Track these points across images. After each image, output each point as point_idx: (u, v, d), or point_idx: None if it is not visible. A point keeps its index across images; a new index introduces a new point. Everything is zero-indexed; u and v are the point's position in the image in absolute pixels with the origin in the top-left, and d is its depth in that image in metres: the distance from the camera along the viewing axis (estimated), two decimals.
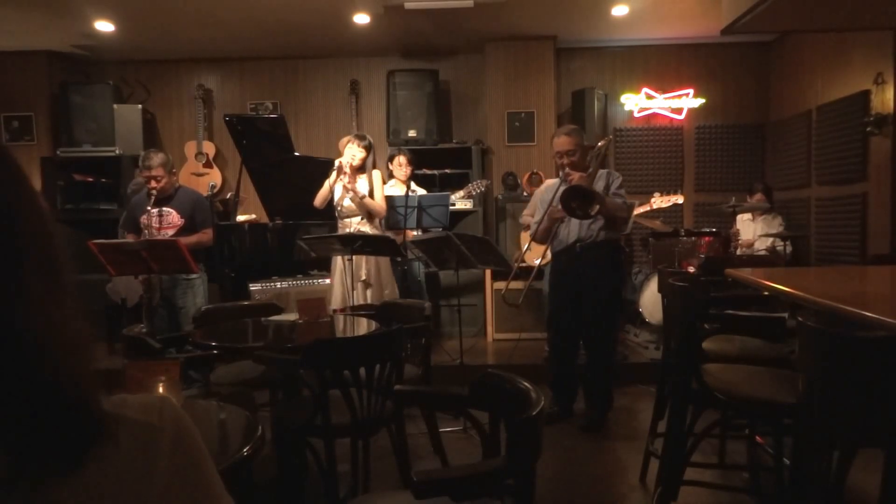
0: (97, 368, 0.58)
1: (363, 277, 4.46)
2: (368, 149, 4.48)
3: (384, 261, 4.62)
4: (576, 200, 3.48)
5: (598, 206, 3.44)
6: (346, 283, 4.41)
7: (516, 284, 5.51)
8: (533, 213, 4.71)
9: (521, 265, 5.27)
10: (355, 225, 4.50)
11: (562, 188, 3.66)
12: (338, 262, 4.52)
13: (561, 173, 3.79)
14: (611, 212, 3.61)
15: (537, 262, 4.54)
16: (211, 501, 0.62)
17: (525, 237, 5.40)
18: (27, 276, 0.54)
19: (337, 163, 4.43)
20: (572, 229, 3.74)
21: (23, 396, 0.52)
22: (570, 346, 3.92)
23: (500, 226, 6.19)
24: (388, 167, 5.31)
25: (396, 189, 4.99)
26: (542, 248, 4.54)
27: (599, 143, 3.93)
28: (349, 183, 4.39)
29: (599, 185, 3.71)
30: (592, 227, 3.70)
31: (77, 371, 0.55)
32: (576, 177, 3.60)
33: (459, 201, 5.61)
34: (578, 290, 3.76)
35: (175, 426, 0.61)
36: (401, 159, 5.18)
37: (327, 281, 4.85)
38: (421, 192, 5.16)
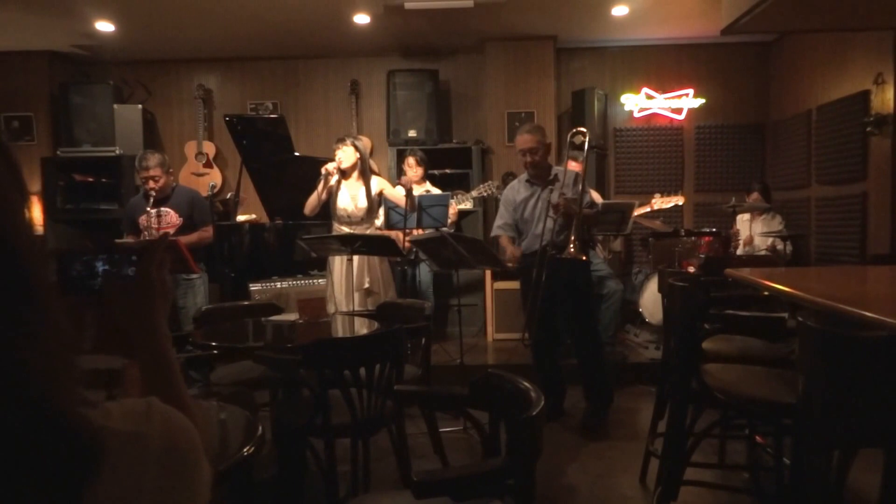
0: (83, 392, 0.56)
1: (366, 285, 4.45)
2: (356, 146, 4.44)
3: (385, 269, 4.62)
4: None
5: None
6: (342, 289, 4.38)
7: (513, 284, 5.52)
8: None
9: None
10: (349, 231, 4.48)
11: (538, 194, 3.83)
12: (335, 267, 4.49)
13: (547, 194, 3.86)
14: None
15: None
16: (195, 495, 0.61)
17: None
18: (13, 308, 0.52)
19: (324, 169, 4.40)
20: (540, 233, 3.77)
21: (13, 431, 0.50)
22: (551, 346, 3.94)
23: None
24: (403, 169, 5.31)
25: (413, 191, 4.96)
26: None
27: (578, 141, 3.98)
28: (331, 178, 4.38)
29: (569, 182, 3.78)
30: (563, 233, 3.73)
31: (65, 399, 0.53)
32: (562, 204, 3.65)
33: (464, 202, 5.61)
34: (552, 292, 3.77)
35: (164, 428, 0.60)
36: (410, 160, 5.19)
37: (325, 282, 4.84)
38: (436, 192, 5.16)
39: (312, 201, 4.45)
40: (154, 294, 0.86)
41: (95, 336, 0.85)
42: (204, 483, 0.62)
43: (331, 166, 4.38)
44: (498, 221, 4.01)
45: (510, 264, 3.94)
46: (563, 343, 4.09)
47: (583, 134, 3.97)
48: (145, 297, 0.85)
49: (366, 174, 4.49)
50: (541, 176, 3.87)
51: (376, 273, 4.53)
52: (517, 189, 3.96)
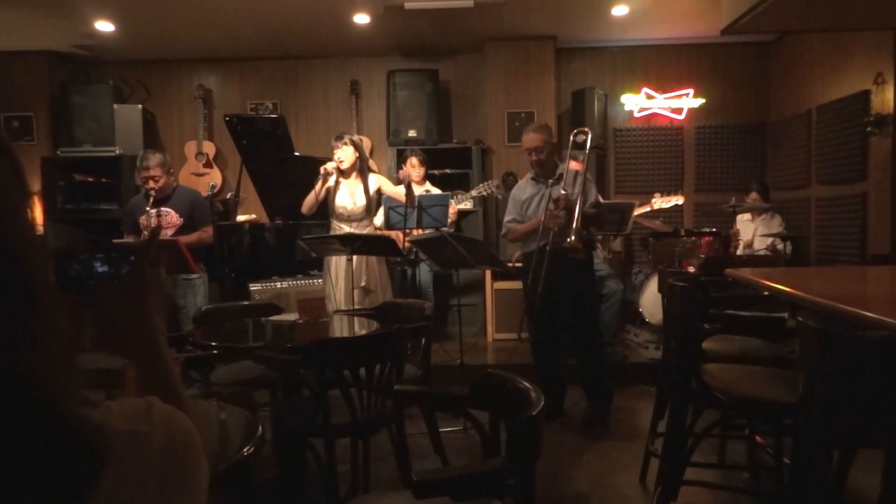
0: (84, 392, 0.56)
1: (363, 283, 4.45)
2: (354, 144, 4.44)
3: (382, 267, 4.62)
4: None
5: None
6: (339, 287, 4.40)
7: (513, 284, 5.53)
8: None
9: (518, 265, 5.28)
10: (349, 230, 4.48)
11: (541, 190, 3.84)
12: (330, 266, 4.51)
13: (543, 187, 3.88)
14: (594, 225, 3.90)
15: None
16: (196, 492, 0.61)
17: None
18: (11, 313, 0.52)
19: (322, 169, 4.40)
20: (542, 233, 3.79)
21: (16, 433, 0.49)
22: (551, 345, 3.95)
23: (500, 225, 6.18)
24: (402, 168, 5.30)
25: (414, 190, 4.97)
26: None
27: (578, 139, 3.98)
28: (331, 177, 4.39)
29: (583, 191, 3.76)
30: (566, 231, 3.73)
31: (66, 399, 0.53)
32: (563, 199, 3.68)
33: (464, 202, 5.61)
34: (551, 291, 3.79)
35: (165, 427, 0.59)
36: (413, 160, 5.19)
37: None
38: (436, 191, 5.17)
39: (310, 200, 4.46)
40: (147, 292, 0.85)
41: (94, 335, 0.85)
42: (204, 481, 0.62)
43: (330, 166, 4.38)
44: (507, 217, 4.06)
45: (553, 222, 3.83)
46: (563, 342, 4.10)
47: (584, 133, 3.98)
48: (138, 295, 0.85)
49: (364, 171, 4.50)
50: (546, 175, 3.90)
51: (374, 271, 4.54)
52: (524, 187, 4.02)
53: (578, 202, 3.66)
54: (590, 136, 3.94)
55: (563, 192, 3.73)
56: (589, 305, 3.93)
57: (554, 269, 3.73)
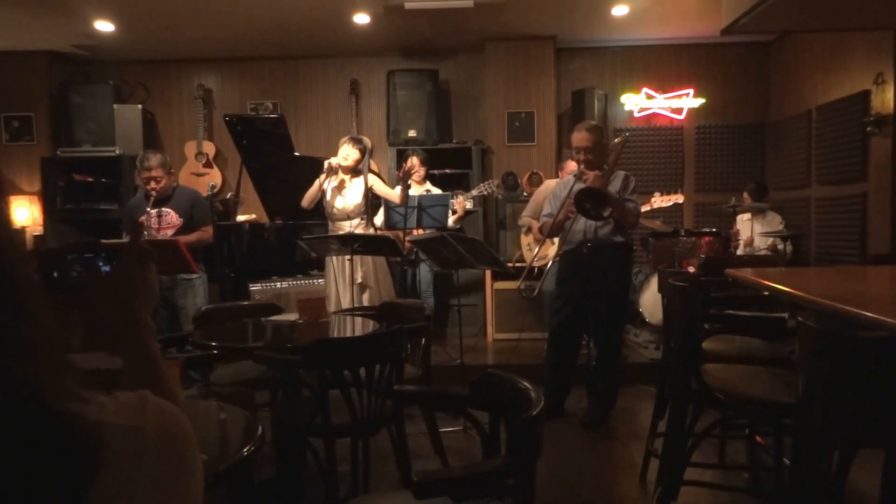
0: (77, 389, 0.55)
1: (359, 280, 4.46)
2: (363, 152, 4.48)
3: (381, 263, 4.63)
4: (589, 201, 3.53)
5: (610, 209, 3.51)
6: (338, 285, 4.42)
7: (514, 284, 5.53)
8: (532, 214, 4.73)
9: (518, 265, 5.28)
10: (348, 229, 4.49)
11: (577, 186, 3.71)
12: (331, 264, 4.53)
13: (578, 169, 3.82)
14: (622, 215, 3.65)
15: (536, 262, 4.54)
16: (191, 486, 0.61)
17: (525, 239, 5.40)
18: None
19: (327, 163, 4.43)
20: (580, 230, 3.76)
21: (11, 434, 0.49)
22: (571, 345, 3.93)
23: (500, 225, 6.19)
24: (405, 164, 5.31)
25: (413, 190, 4.98)
26: (543, 248, 4.57)
27: (616, 140, 3.98)
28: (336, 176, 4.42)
29: (615, 186, 3.71)
30: (602, 229, 3.72)
31: (59, 397, 0.52)
32: (591, 176, 3.64)
33: (465, 202, 5.61)
34: (584, 291, 3.77)
35: (159, 420, 0.59)
36: (414, 160, 5.19)
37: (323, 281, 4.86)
38: (436, 191, 5.18)
39: (312, 192, 4.51)
40: (135, 290, 0.85)
41: (83, 334, 0.85)
42: (199, 473, 0.62)
43: (334, 161, 4.42)
44: (544, 211, 3.98)
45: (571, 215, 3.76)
46: (578, 342, 4.07)
47: (622, 135, 4.02)
48: (126, 292, 0.85)
49: (362, 173, 4.53)
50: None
51: (368, 267, 4.55)
52: (566, 184, 3.91)
53: (605, 181, 3.62)
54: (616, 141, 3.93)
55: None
56: (619, 307, 3.87)
57: (592, 268, 3.71)
